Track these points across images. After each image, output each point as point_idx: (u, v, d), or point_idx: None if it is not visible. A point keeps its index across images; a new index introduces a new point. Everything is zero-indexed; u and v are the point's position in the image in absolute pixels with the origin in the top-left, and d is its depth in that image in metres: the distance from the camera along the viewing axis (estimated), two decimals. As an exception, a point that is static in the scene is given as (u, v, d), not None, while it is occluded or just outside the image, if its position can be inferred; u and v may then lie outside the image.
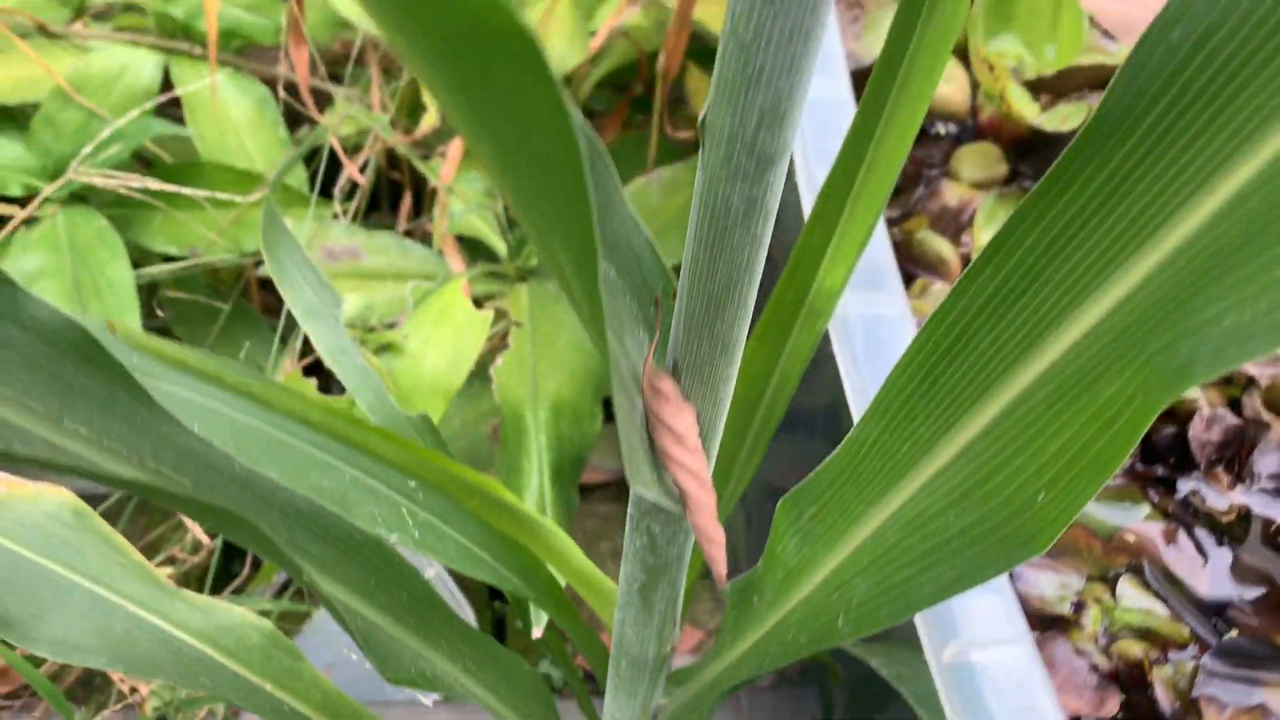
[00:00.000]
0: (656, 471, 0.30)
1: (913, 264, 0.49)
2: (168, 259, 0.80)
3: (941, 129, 0.58)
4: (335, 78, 0.87)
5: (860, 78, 0.55)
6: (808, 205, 0.47)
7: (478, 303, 0.74)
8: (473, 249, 0.78)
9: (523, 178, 0.21)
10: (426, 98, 0.78)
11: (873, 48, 0.57)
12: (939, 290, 0.47)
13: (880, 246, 0.44)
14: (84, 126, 0.79)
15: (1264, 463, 0.41)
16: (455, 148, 0.77)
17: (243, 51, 0.85)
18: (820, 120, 0.49)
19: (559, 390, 0.67)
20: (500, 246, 0.74)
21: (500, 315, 0.70)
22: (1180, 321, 0.22)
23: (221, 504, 0.27)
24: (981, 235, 0.50)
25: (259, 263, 0.80)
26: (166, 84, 0.82)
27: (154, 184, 0.73)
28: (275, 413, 0.34)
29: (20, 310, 0.26)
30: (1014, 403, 0.26)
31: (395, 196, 0.91)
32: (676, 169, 0.76)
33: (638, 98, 0.89)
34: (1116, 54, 0.58)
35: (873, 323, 0.40)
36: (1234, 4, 0.22)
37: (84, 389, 0.26)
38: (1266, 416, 0.42)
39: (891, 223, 0.52)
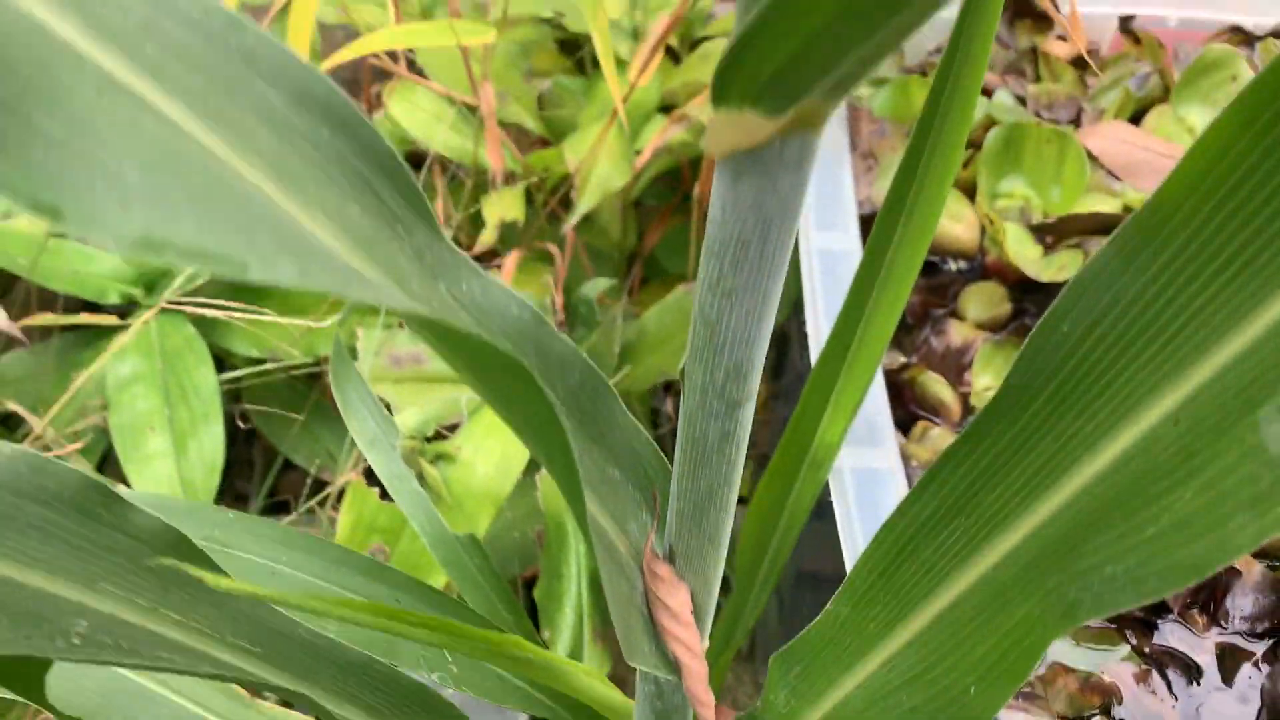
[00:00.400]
0: (654, 643, 0.35)
1: (915, 405, 0.53)
2: (250, 360, 0.87)
3: (953, 265, 0.62)
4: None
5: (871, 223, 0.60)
6: (815, 352, 0.52)
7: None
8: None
9: (526, 436, 0.27)
10: (486, 214, 0.84)
11: (885, 194, 0.61)
12: (938, 435, 0.51)
13: (877, 400, 0.48)
14: (176, 240, 0.86)
15: (1237, 605, 0.44)
16: (510, 262, 0.83)
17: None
18: (830, 271, 0.54)
19: (602, 493, 0.72)
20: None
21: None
22: (1070, 564, 0.26)
23: (289, 675, 0.33)
24: (980, 380, 0.54)
25: (330, 366, 0.87)
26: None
27: (239, 310, 0.80)
28: (331, 578, 0.40)
29: (126, 520, 0.32)
30: (951, 605, 0.30)
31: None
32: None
33: (687, 191, 0.94)
34: (1121, 194, 0.62)
35: (866, 477, 0.45)
36: (1111, 303, 0.26)
37: (176, 579, 0.32)
38: (1239, 562, 0.45)
39: (897, 370, 0.56)
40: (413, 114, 0.87)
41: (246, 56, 0.23)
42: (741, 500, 0.38)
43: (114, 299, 0.85)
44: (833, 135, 0.63)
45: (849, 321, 0.43)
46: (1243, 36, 0.78)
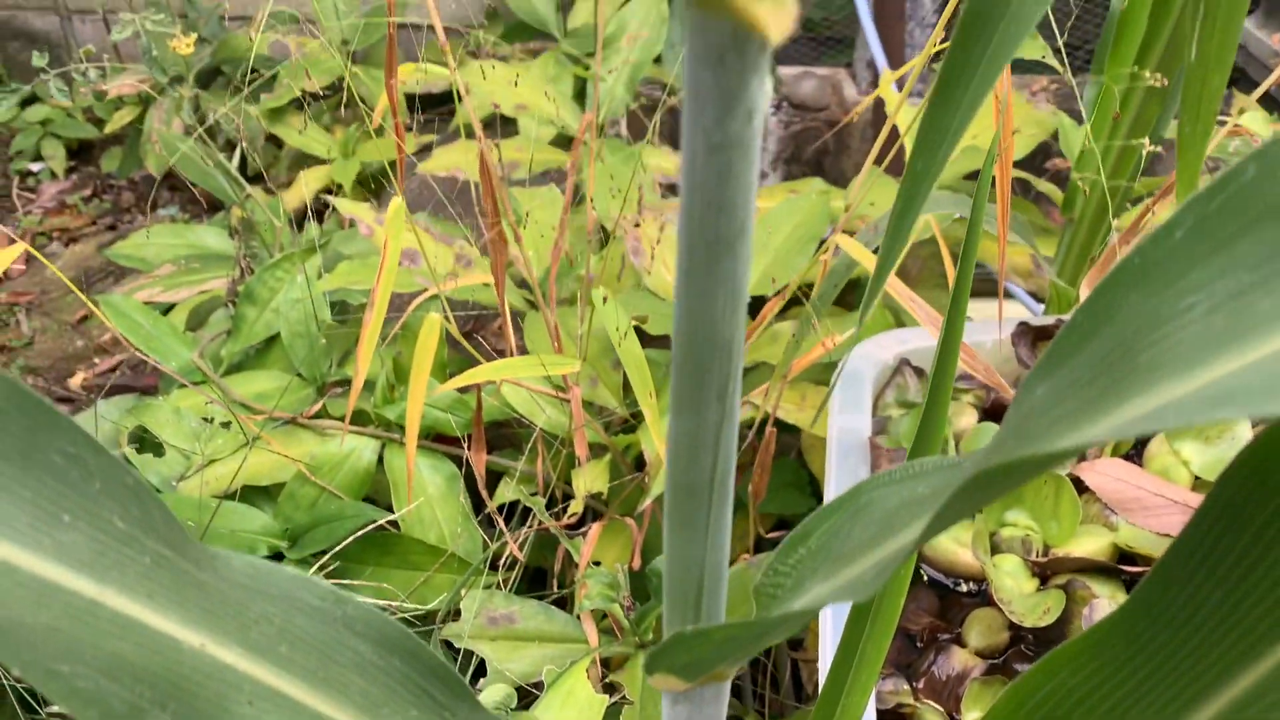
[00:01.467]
0: None
1: (913, 735, 0.62)
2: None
3: (964, 586, 0.71)
4: (510, 458, 1.08)
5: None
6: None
7: (605, 664, 0.90)
8: (603, 614, 0.94)
9: None
10: (575, 486, 0.97)
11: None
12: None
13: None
14: (317, 500, 1.02)
15: None
16: (594, 532, 0.95)
17: (436, 438, 1.07)
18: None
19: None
20: (624, 623, 0.90)
21: (616, 689, 0.86)
22: None
23: None
24: (969, 715, 0.61)
25: (443, 621, 0.99)
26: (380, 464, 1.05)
27: (370, 565, 0.94)
28: None
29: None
30: None
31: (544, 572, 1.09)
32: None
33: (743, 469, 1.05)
34: (1116, 528, 0.70)
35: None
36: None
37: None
38: None
39: (892, 709, 0.64)
40: (518, 394, 1.02)
41: (347, 623, 0.35)
42: None
43: (263, 551, 1.00)
44: (853, 470, 0.74)
45: (839, 677, 0.53)
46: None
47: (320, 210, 1.99)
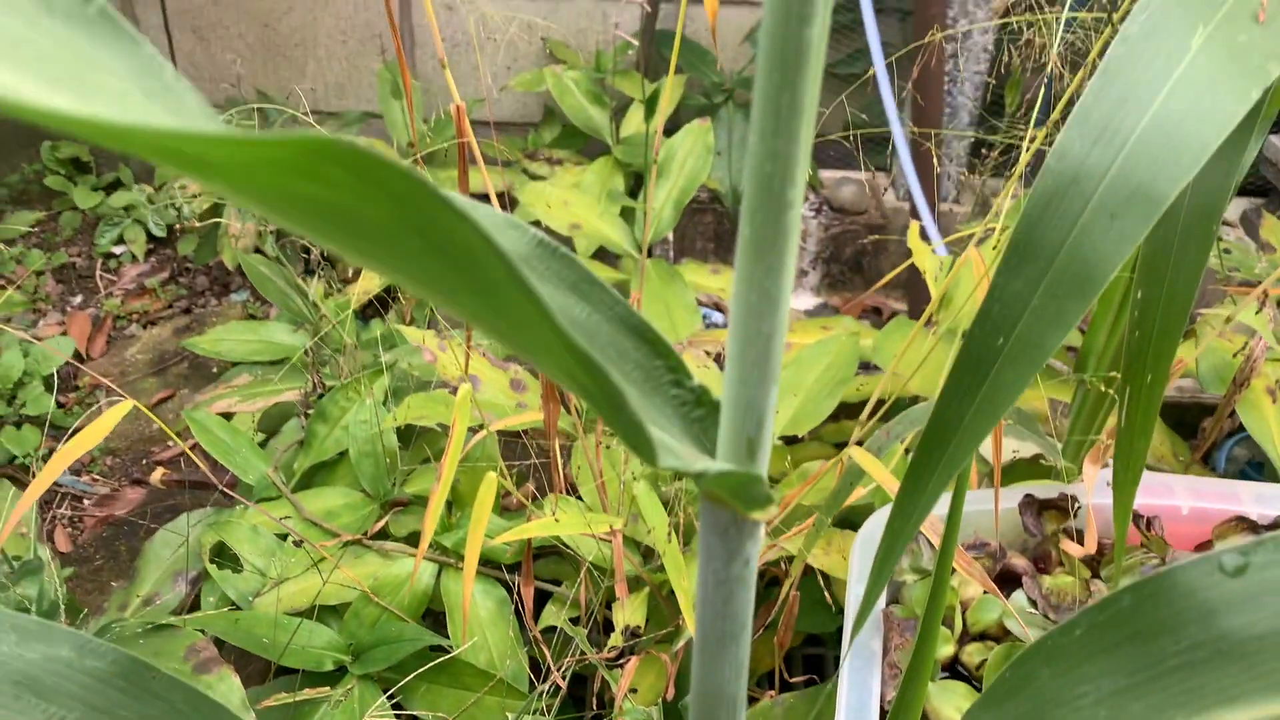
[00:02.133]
0: None
1: None
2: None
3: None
4: (556, 581, 1.17)
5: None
6: None
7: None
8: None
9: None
10: (615, 619, 1.05)
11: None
12: None
13: None
14: (379, 619, 1.12)
15: None
16: (632, 665, 1.03)
17: (486, 561, 1.17)
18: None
19: None
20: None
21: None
22: None
23: None
24: None
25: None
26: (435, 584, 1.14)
27: (425, 678, 1.03)
28: None
29: None
30: None
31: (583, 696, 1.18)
32: (798, 696, 0.99)
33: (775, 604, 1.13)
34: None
35: None
36: None
37: None
38: None
39: None
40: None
41: None
42: None
43: (328, 666, 1.10)
44: (868, 642, 0.82)
45: None
46: (1247, 525, 0.92)
47: (387, 301, 2.10)
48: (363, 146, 0.16)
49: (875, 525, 0.91)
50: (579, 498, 1.14)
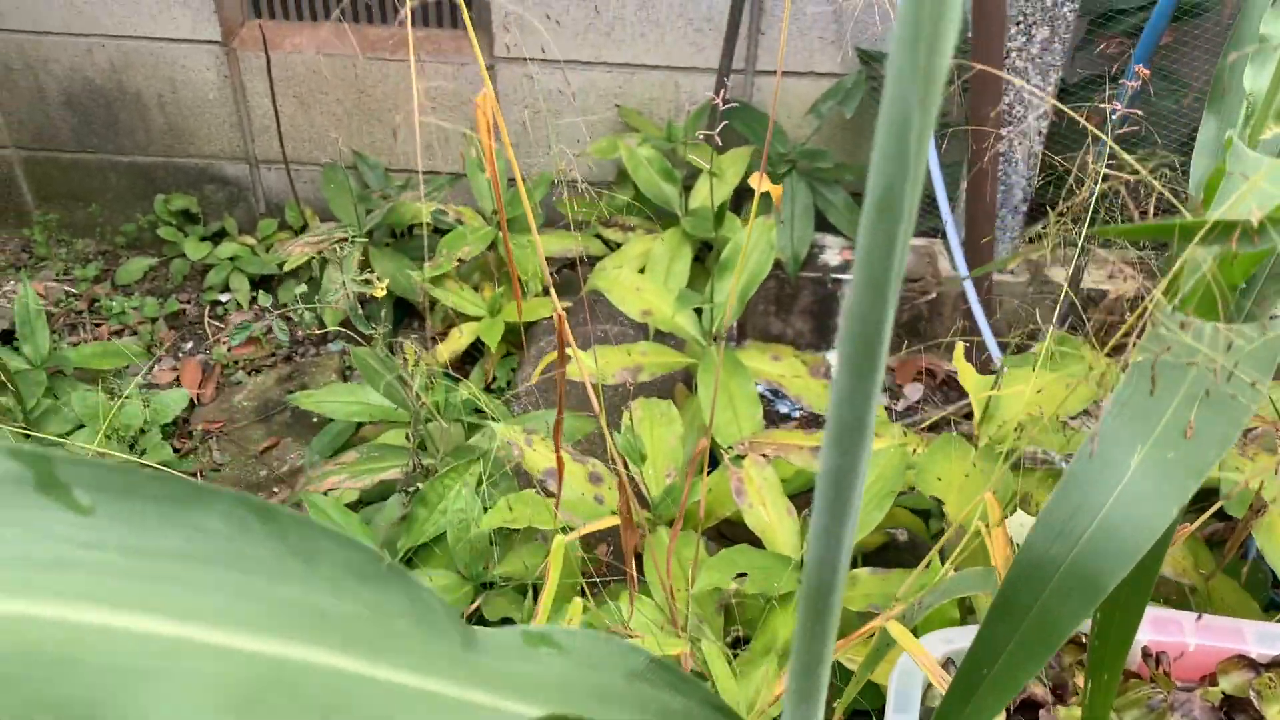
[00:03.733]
0: None
1: None
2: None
3: None
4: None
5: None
6: None
7: None
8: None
9: None
10: None
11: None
12: None
13: None
14: None
15: None
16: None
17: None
18: None
19: None
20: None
21: None
22: None
23: None
24: None
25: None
26: None
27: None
28: None
29: None
30: None
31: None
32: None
33: None
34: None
35: None
36: None
37: None
38: None
39: None
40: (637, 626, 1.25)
41: None
42: None
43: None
44: (901, 769, 0.95)
45: None
46: (1248, 663, 1.04)
47: (474, 354, 2.27)
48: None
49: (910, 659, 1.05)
50: (649, 594, 1.29)
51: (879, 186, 0.28)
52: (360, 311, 2.32)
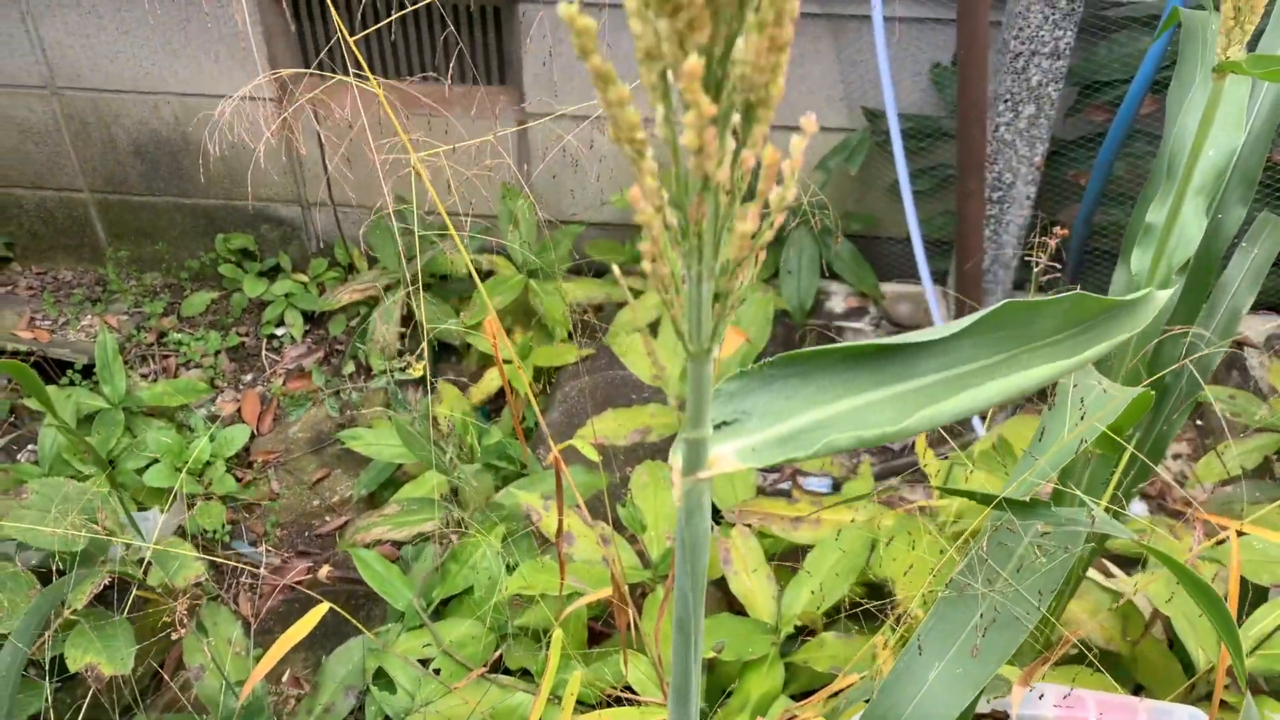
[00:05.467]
0: None
1: None
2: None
3: None
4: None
5: None
6: None
7: None
8: None
9: None
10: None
11: None
12: None
13: None
14: (495, 737, 1.50)
15: None
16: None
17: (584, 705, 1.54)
18: None
19: None
20: None
21: None
22: None
23: None
24: None
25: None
26: None
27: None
28: None
29: None
30: None
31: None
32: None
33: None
34: None
35: None
36: None
37: None
38: None
39: None
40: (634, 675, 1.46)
41: None
42: None
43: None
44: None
45: None
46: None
47: (503, 396, 2.48)
48: None
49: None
50: (641, 650, 1.50)
51: (676, 635, 0.48)
52: (398, 359, 2.54)
